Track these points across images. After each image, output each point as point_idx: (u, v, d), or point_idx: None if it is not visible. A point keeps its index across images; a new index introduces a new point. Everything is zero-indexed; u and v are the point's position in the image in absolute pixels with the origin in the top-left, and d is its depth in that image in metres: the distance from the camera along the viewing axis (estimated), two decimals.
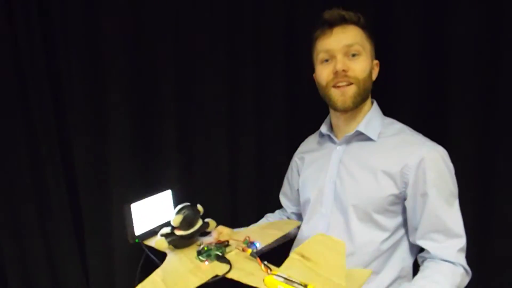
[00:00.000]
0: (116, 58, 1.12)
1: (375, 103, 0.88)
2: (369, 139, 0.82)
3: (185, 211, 0.79)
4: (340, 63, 0.78)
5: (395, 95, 1.09)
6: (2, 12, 1.07)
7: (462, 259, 0.76)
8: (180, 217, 0.77)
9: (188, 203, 0.81)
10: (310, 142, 1.00)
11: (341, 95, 0.80)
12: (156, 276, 0.72)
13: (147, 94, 1.18)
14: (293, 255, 0.62)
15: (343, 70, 0.78)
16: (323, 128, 0.92)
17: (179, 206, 0.80)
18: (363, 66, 0.79)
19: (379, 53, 0.87)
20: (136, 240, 0.87)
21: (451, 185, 0.77)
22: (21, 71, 1.12)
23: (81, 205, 1.20)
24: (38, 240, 1.20)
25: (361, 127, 0.82)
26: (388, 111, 0.91)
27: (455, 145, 1.01)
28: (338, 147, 0.86)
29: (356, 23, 0.81)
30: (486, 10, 0.99)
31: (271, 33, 1.17)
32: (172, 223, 0.78)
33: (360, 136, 0.83)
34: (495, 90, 1.01)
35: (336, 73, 0.79)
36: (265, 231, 0.88)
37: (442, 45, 1.05)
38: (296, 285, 0.61)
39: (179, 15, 1.14)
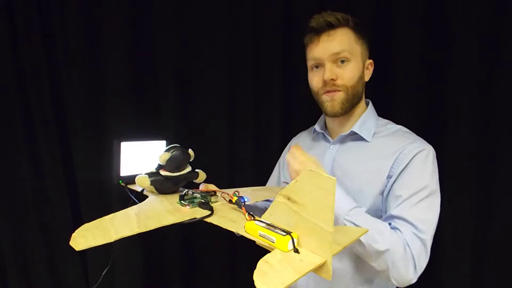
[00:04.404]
0: (116, 58, 1.12)
1: (370, 104, 0.87)
2: (363, 139, 0.81)
3: (174, 151, 0.73)
4: (328, 72, 0.77)
5: (395, 95, 1.09)
6: (2, 12, 1.06)
7: (414, 243, 0.68)
8: (167, 155, 0.72)
9: (178, 145, 0.75)
10: (304, 139, 0.98)
11: (330, 100, 0.80)
12: (130, 210, 0.66)
13: (147, 93, 1.18)
14: (279, 199, 0.55)
15: (332, 79, 0.78)
16: (317, 126, 0.91)
17: (169, 146, 0.75)
18: (351, 73, 0.78)
19: (379, 53, 0.87)
20: (120, 182, 0.82)
21: (426, 181, 0.72)
22: (21, 71, 1.10)
23: (81, 205, 1.19)
24: (38, 240, 1.19)
25: (356, 128, 0.82)
26: (388, 111, 0.90)
27: (455, 145, 1.03)
28: (332, 146, 0.86)
29: (345, 25, 0.78)
30: (486, 9, 1.00)
31: (270, 32, 1.18)
32: (158, 160, 0.72)
33: (354, 136, 0.82)
34: (495, 90, 1.01)
35: (325, 82, 0.79)
36: (256, 192, 0.82)
37: (442, 45, 1.05)
38: (278, 230, 0.54)
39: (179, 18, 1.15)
